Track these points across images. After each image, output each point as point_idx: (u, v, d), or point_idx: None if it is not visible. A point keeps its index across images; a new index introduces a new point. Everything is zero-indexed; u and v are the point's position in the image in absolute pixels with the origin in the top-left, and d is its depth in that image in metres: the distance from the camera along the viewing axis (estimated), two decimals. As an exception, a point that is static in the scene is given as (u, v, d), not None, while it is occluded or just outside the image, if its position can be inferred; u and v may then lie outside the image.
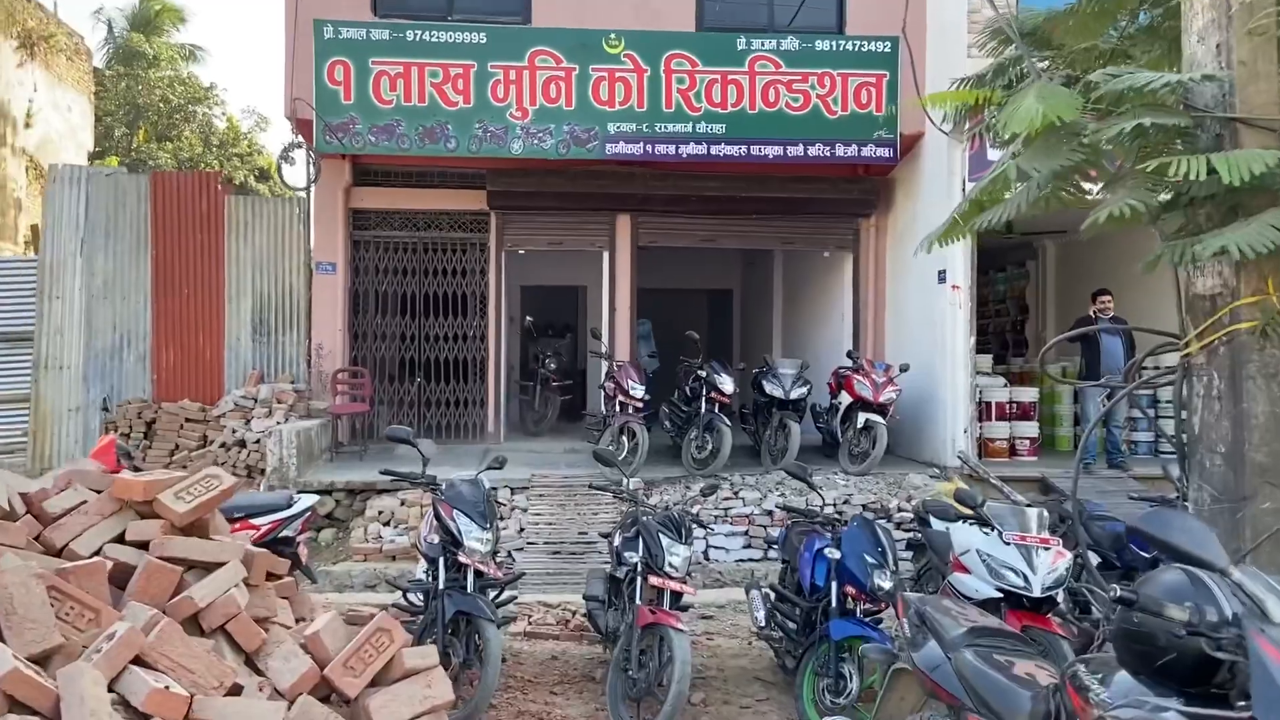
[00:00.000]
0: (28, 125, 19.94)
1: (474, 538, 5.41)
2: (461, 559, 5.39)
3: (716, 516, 9.37)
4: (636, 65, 10.85)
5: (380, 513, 9.63)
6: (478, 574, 5.46)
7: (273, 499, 6.92)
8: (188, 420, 11.18)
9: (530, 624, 7.52)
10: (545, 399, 13.26)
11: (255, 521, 6.61)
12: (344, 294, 11.74)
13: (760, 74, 10.97)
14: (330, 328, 11.67)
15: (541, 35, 10.91)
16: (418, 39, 10.61)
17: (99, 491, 3.59)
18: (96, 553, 3.38)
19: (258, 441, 10.56)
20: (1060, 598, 5.57)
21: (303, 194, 11.60)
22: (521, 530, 9.33)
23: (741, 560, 9.25)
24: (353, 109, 10.56)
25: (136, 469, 6.85)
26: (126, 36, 28.02)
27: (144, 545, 3.44)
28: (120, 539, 3.48)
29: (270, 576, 4.00)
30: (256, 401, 11.16)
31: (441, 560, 5.44)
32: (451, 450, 11.54)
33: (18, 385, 11.71)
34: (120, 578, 3.32)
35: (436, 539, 5.55)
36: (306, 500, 6.97)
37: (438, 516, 5.56)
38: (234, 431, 10.81)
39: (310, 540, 9.77)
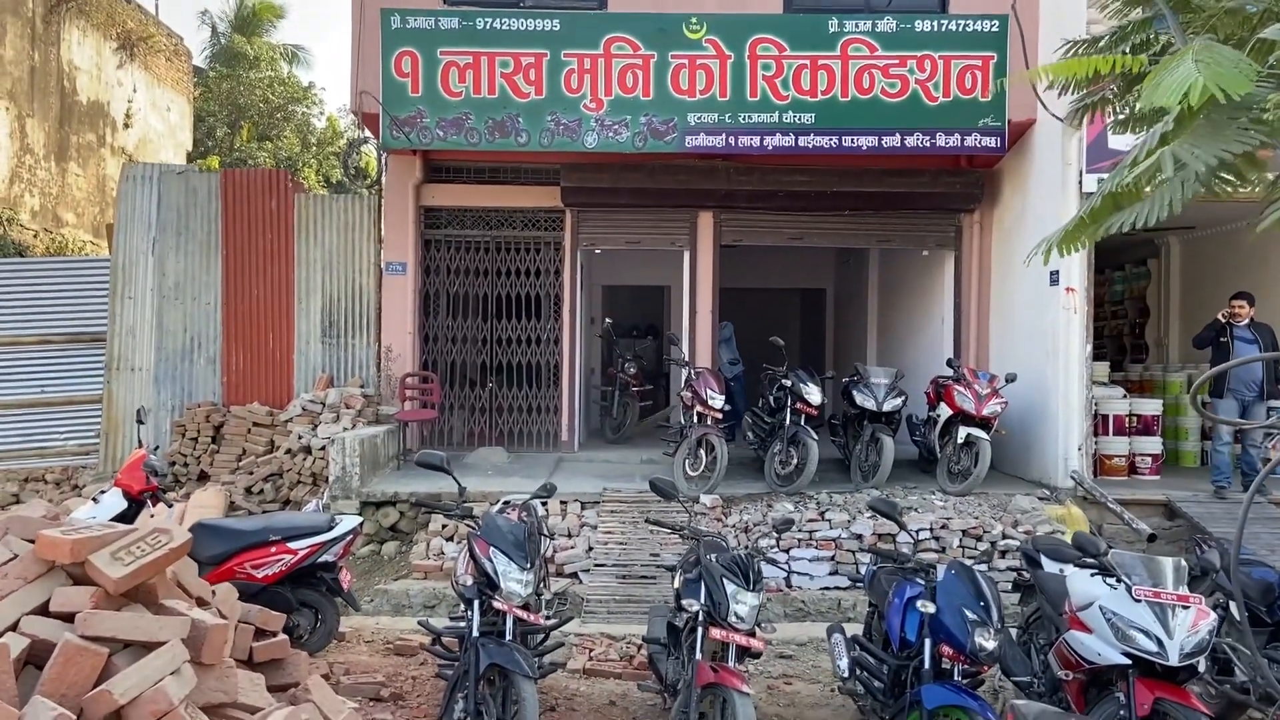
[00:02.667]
0: (127, 125, 20.24)
1: (513, 579, 4.81)
2: (497, 604, 4.78)
3: (800, 540, 8.59)
4: (719, 51, 10.11)
5: (444, 526, 9.13)
6: (518, 619, 4.85)
7: (313, 520, 6.48)
8: (255, 425, 10.90)
9: (591, 660, 6.91)
10: (624, 405, 12.65)
11: (293, 545, 6.20)
12: (414, 295, 11.31)
13: (854, 58, 10.12)
14: (400, 330, 11.26)
15: (618, 20, 10.26)
16: (488, 27, 10.08)
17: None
18: (13, 627, 2.85)
19: (323, 448, 10.19)
20: (1201, 666, 4.69)
21: (365, 191, 11.19)
22: (590, 550, 8.72)
23: (827, 589, 8.45)
24: (420, 102, 10.09)
25: (166, 490, 6.47)
26: (229, 38, 28.48)
27: (72, 617, 2.90)
28: (45, 609, 2.95)
29: (260, 634, 3.43)
30: (324, 406, 10.82)
31: (477, 604, 4.83)
32: (522, 458, 11.07)
33: (92, 386, 11.62)
34: (41, 658, 2.79)
35: (471, 580, 4.95)
36: (349, 522, 6.52)
37: (473, 555, 4.97)
38: (300, 437, 10.47)
39: (372, 555, 9.40)
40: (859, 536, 8.54)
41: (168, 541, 3.13)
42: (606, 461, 11.00)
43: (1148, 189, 3.24)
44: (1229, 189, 3.20)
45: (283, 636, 3.68)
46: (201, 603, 3.42)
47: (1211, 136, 2.91)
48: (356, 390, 11.02)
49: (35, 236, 16.38)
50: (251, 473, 10.40)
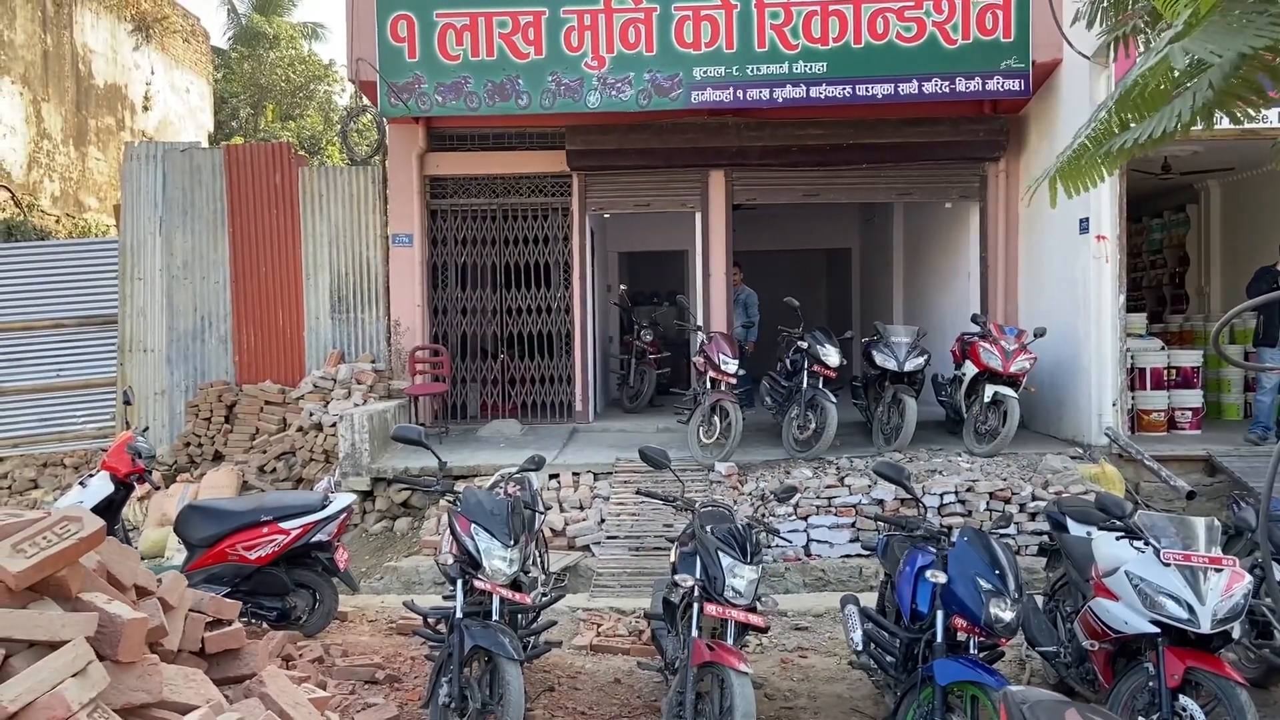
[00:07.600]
0: (146, 108, 20.14)
1: (496, 557, 4.57)
2: (478, 584, 4.55)
3: (819, 507, 8.30)
4: (724, 1, 9.70)
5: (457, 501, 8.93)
6: (504, 599, 4.62)
7: (305, 499, 6.30)
8: (267, 403, 10.77)
9: (599, 635, 6.69)
10: (641, 373, 12.37)
11: (285, 526, 6.02)
12: (422, 267, 11.07)
13: (866, 2, 9.66)
14: (409, 303, 11.04)
15: (618, -26, 9.88)
16: (484, -14, 9.75)
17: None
18: (-100, 630, 2.64)
19: (334, 425, 10.03)
20: (1236, 632, 4.36)
21: (368, 163, 10.93)
22: (602, 522, 8.49)
23: (848, 556, 8.15)
24: (417, 67, 9.80)
25: (150, 473, 6.30)
26: (249, 18, 28.35)
27: (-31, 618, 2.68)
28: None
29: (215, 624, 3.21)
30: (335, 382, 10.67)
31: (460, 583, 4.60)
32: (536, 430, 10.85)
33: (107, 369, 11.55)
34: (-68, 664, 2.59)
35: (453, 559, 4.72)
36: (343, 500, 6.32)
37: (454, 533, 4.73)
38: (311, 414, 10.33)
39: (384, 531, 9.24)
40: (880, 502, 8.23)
41: (77, 531, 2.89)
42: (621, 431, 10.75)
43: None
44: (1250, 110, 2.81)
45: (237, 625, 3.46)
46: (142, 593, 3.21)
47: (1227, 33, 2.53)
48: (367, 366, 10.84)
49: (57, 222, 16.35)
50: (264, 451, 10.29)
